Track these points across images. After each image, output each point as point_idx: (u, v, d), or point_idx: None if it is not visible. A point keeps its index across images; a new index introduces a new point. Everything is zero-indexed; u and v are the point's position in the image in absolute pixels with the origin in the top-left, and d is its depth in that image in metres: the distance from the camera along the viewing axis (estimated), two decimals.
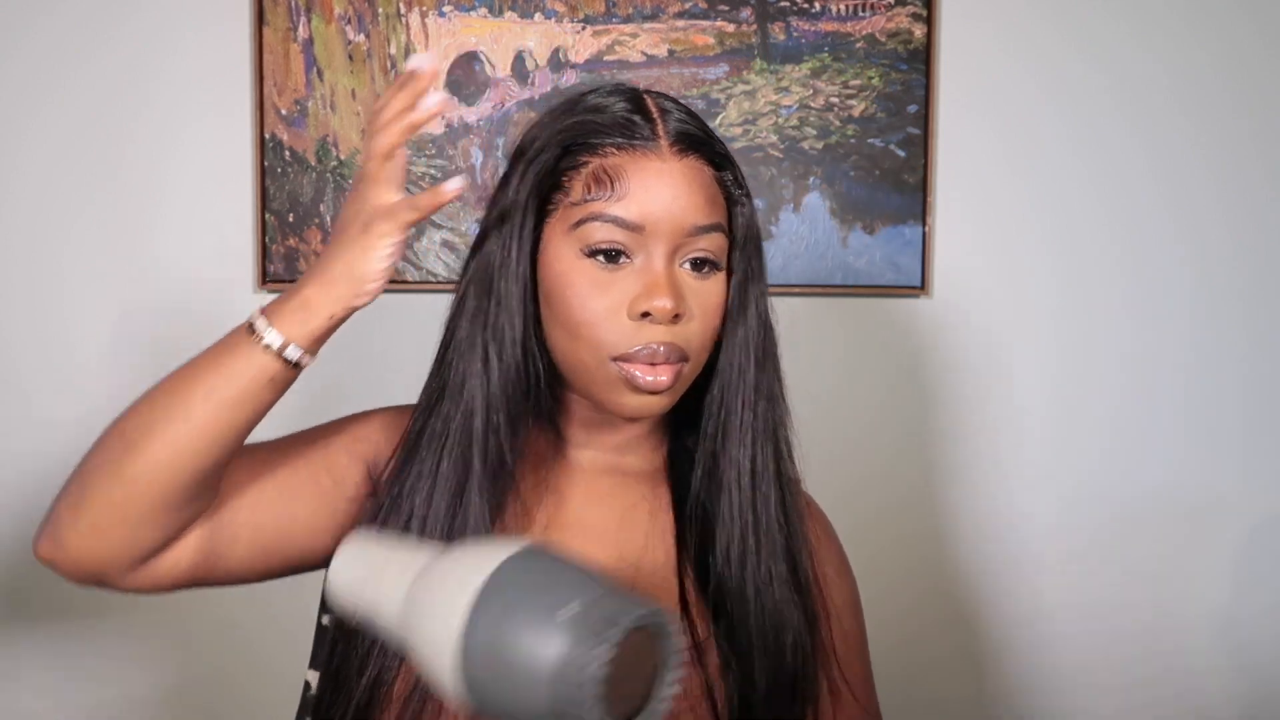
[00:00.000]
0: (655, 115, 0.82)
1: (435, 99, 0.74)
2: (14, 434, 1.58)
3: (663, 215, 0.79)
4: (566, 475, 0.88)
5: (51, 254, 1.58)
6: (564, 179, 0.81)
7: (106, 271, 1.58)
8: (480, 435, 0.82)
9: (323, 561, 0.86)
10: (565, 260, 0.80)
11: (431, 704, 0.79)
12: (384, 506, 0.84)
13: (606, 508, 0.87)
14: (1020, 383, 1.60)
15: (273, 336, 0.75)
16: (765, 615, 0.83)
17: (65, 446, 1.68)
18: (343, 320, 0.77)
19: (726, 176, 0.84)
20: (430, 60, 0.75)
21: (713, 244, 0.81)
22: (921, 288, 1.57)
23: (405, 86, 0.74)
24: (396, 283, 1.57)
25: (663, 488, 0.89)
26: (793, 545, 0.86)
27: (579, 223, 0.80)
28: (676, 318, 0.79)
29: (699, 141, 0.82)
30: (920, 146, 1.56)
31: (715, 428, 0.86)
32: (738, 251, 0.84)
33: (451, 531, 0.82)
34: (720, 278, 0.83)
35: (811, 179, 1.57)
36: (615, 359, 0.79)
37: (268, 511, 0.83)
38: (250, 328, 0.76)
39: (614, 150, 0.80)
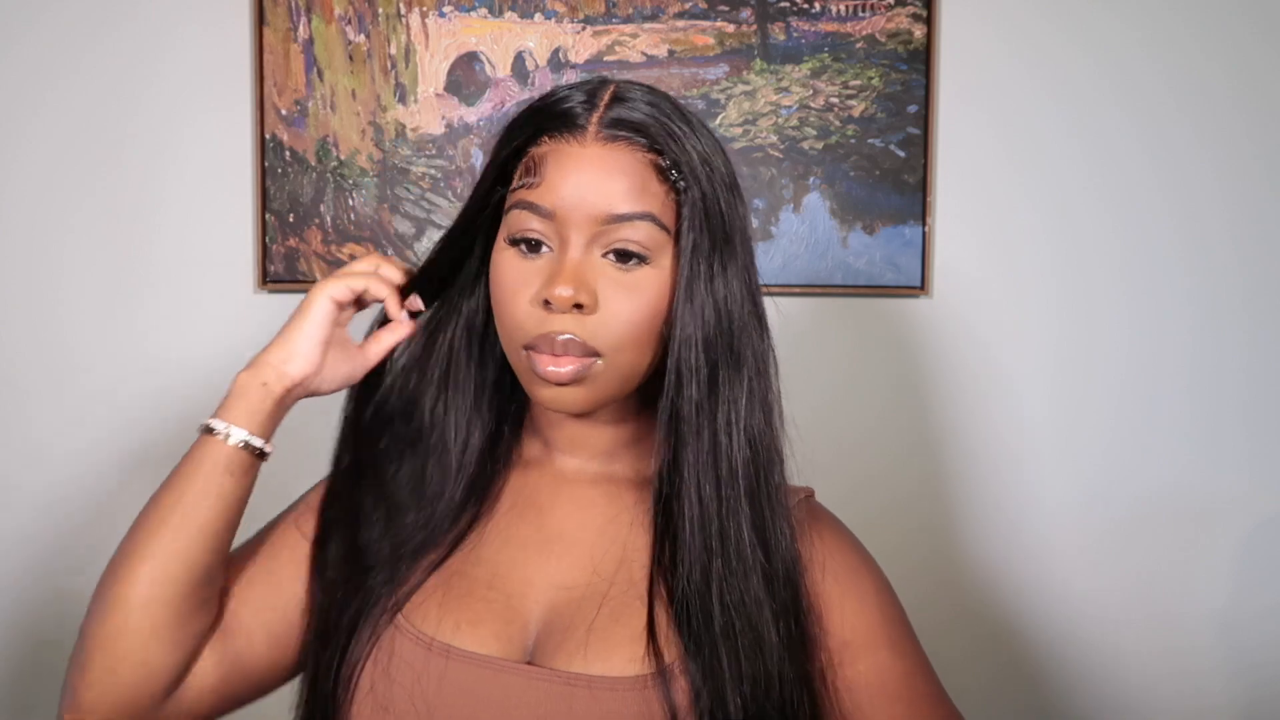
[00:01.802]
0: (600, 102, 0.79)
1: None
2: (14, 433, 1.58)
3: (575, 201, 0.76)
4: (551, 483, 0.86)
5: (51, 253, 1.58)
6: (511, 170, 0.81)
7: (106, 271, 1.58)
8: (454, 442, 0.84)
9: None
10: (498, 248, 0.80)
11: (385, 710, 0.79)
12: (363, 509, 0.85)
13: (588, 518, 0.85)
14: (1021, 383, 1.60)
15: (218, 424, 0.80)
16: (740, 639, 0.77)
17: (65, 444, 1.68)
18: (284, 396, 0.81)
19: (664, 161, 0.77)
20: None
21: (638, 234, 0.77)
22: (921, 288, 1.57)
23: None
24: None
25: (646, 498, 0.84)
26: (771, 565, 0.80)
27: (507, 210, 0.80)
28: (580, 308, 0.76)
29: (634, 126, 0.77)
30: (920, 146, 1.56)
31: (667, 435, 0.80)
32: (686, 241, 0.78)
33: (429, 539, 0.83)
34: (651, 272, 0.77)
35: (811, 179, 1.57)
36: (525, 347, 0.78)
37: (265, 600, 0.84)
38: (203, 426, 0.80)
39: (547, 139, 0.78)
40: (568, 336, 0.76)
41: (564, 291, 0.75)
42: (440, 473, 0.85)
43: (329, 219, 1.57)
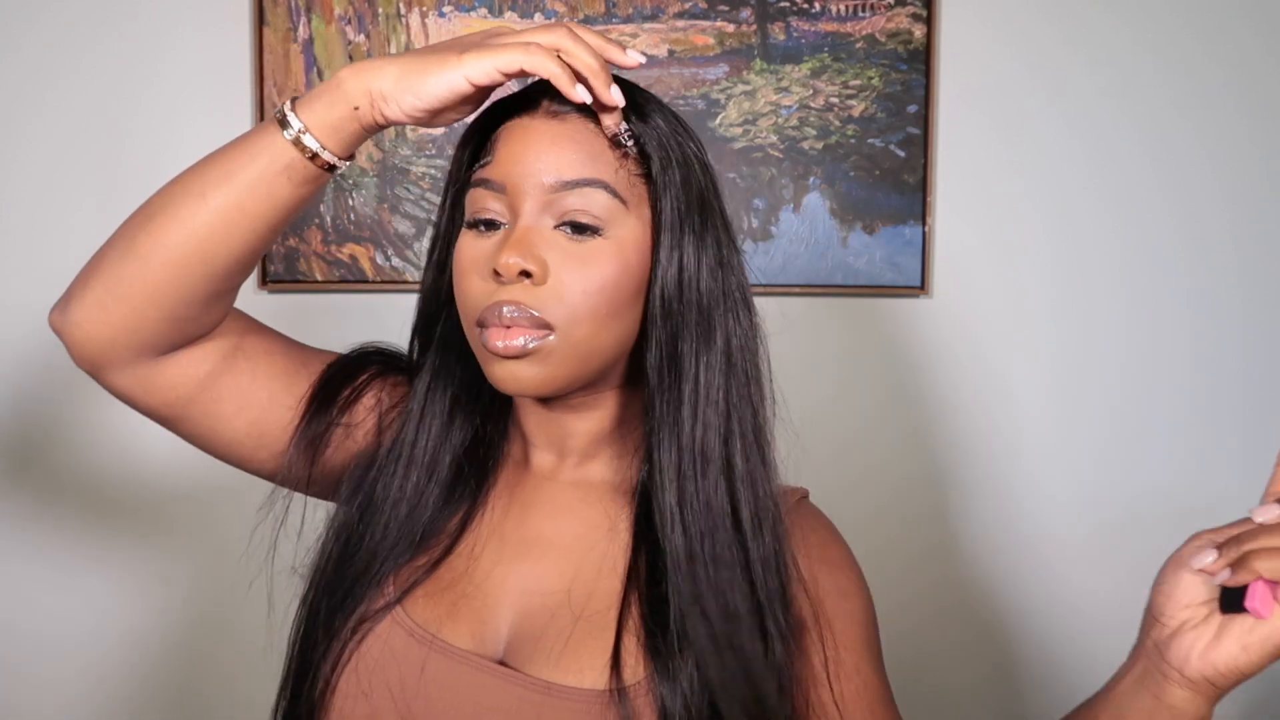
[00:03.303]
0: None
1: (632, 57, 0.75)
2: (14, 434, 1.58)
3: (523, 171, 0.74)
4: (534, 483, 0.84)
5: (51, 254, 1.57)
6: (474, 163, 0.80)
7: None
8: (434, 442, 0.83)
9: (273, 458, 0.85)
10: (460, 235, 0.79)
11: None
12: (360, 502, 0.84)
13: (566, 523, 0.82)
14: (1020, 382, 1.60)
15: (292, 120, 0.73)
16: (715, 658, 0.74)
17: (65, 447, 1.67)
18: (372, 128, 0.74)
19: (619, 131, 0.76)
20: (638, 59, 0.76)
21: (589, 203, 0.74)
22: (921, 288, 1.57)
23: (609, 59, 0.74)
24: (397, 282, 1.57)
25: (627, 506, 0.81)
26: (752, 575, 0.77)
27: (467, 195, 0.78)
28: (528, 277, 0.73)
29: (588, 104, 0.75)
30: (920, 146, 1.56)
31: (651, 428, 0.77)
32: (663, 204, 0.76)
33: (418, 542, 0.82)
34: (606, 244, 0.75)
35: (811, 179, 1.57)
36: (478, 324, 0.75)
37: (273, 384, 0.83)
38: (279, 113, 0.74)
39: (504, 124, 0.78)
40: (514, 307, 0.73)
41: (510, 259, 0.73)
42: (418, 470, 0.83)
43: (329, 219, 1.57)
